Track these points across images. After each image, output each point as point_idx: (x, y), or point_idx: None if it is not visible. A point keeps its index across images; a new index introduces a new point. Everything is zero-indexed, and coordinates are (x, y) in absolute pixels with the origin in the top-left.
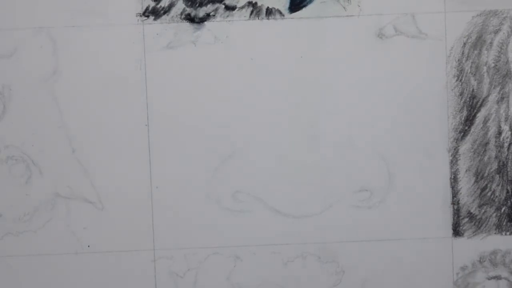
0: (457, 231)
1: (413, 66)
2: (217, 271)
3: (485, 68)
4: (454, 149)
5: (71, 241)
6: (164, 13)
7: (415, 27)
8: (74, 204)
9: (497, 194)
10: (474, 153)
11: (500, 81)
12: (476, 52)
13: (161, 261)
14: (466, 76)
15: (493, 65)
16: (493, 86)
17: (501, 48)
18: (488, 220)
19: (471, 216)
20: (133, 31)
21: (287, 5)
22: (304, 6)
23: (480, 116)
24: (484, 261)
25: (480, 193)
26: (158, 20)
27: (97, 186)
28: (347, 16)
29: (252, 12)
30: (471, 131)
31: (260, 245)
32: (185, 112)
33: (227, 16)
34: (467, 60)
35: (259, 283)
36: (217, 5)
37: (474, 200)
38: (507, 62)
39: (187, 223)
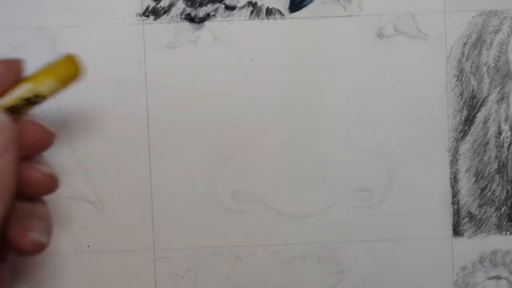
0: (457, 231)
1: (413, 66)
2: (217, 271)
3: (485, 68)
4: (454, 149)
5: (71, 241)
6: (164, 13)
7: (415, 27)
8: (74, 204)
9: (497, 194)
10: (474, 153)
11: (500, 81)
12: (476, 52)
13: (161, 261)
14: (466, 76)
15: (493, 65)
16: (493, 86)
17: (501, 48)
18: (488, 220)
19: (471, 216)
20: (133, 31)
21: (287, 5)
22: (304, 6)
23: (480, 116)
24: (484, 261)
25: (480, 193)
26: (158, 20)
27: (97, 186)
28: (347, 16)
29: (252, 12)
30: (471, 131)
31: (260, 245)
32: (185, 112)
33: (227, 16)
34: (467, 60)
35: (259, 283)
36: (217, 5)
37: (474, 200)
38: (507, 62)
39: (187, 223)
